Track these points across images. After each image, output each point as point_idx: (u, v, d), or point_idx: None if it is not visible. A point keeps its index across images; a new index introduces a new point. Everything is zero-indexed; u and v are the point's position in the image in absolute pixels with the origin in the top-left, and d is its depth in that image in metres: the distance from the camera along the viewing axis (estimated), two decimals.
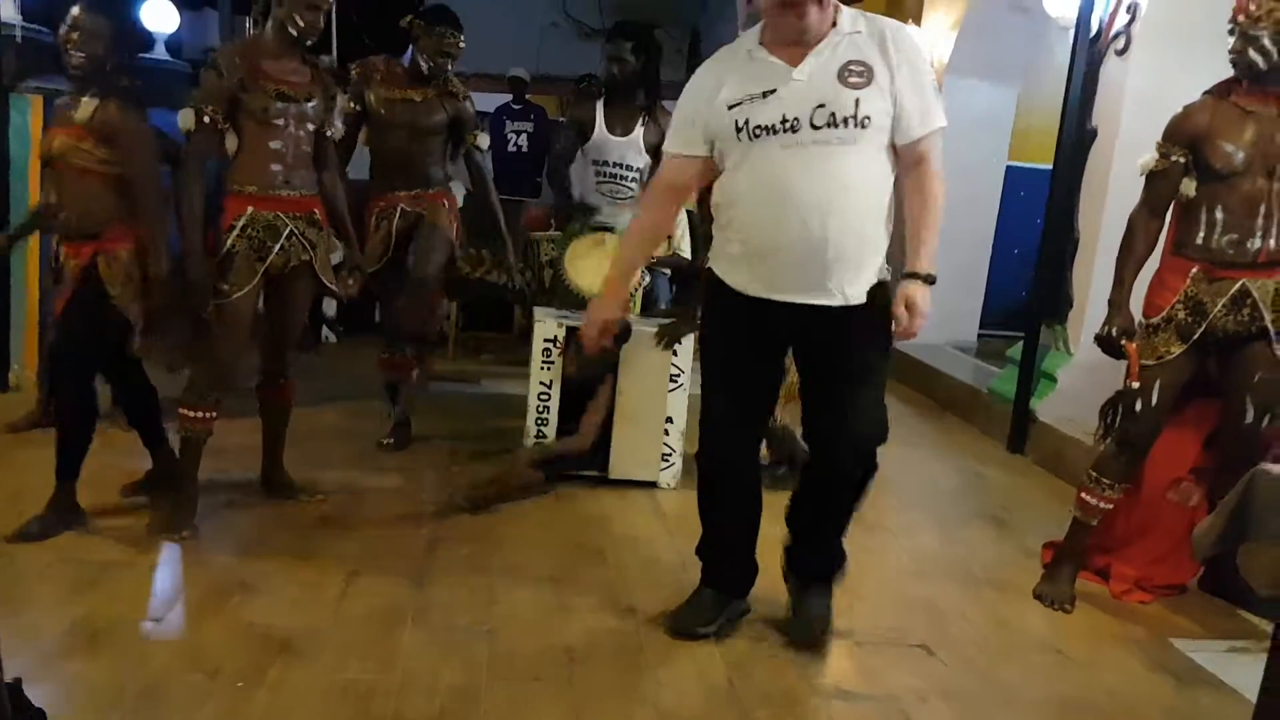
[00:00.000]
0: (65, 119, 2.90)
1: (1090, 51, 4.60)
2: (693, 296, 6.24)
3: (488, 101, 8.86)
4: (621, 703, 2.31)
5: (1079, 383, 4.65)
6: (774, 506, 2.73)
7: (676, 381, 3.73)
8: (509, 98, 8.19)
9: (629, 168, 4.13)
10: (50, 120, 2.90)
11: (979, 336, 6.80)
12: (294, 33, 3.03)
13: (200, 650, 2.37)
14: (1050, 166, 4.96)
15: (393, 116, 3.94)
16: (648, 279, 4.43)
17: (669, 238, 5.48)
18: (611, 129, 4.10)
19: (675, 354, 3.71)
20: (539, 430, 3.79)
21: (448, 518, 3.31)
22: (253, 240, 3.03)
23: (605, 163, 4.12)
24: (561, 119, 7.30)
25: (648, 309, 4.71)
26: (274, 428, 3.37)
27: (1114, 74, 4.52)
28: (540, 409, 3.78)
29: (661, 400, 3.71)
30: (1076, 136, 4.62)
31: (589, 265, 4.02)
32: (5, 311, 4.37)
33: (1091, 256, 4.60)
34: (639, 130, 4.10)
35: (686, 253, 5.63)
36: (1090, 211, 4.62)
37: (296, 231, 3.10)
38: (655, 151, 4.12)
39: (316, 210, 3.19)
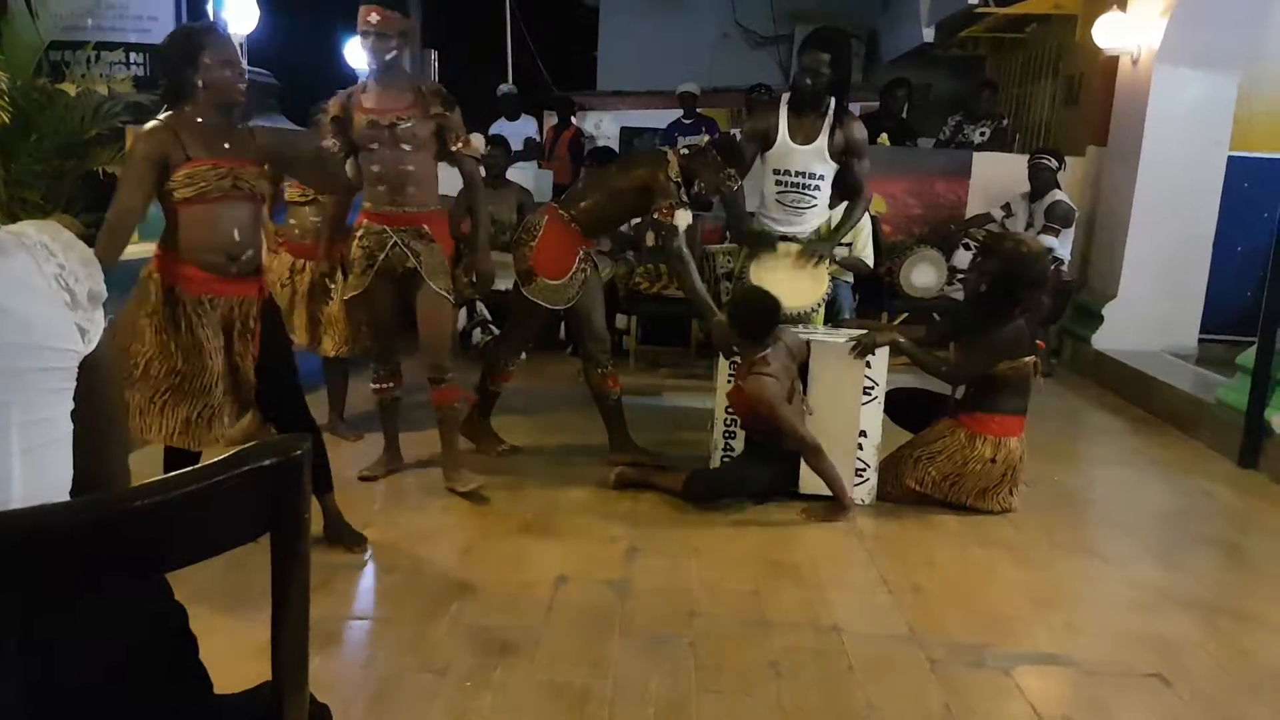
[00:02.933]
0: (225, 150, 2.74)
1: None
2: (879, 305, 6.18)
3: (661, 118, 9.04)
4: None
5: None
6: None
7: (870, 394, 3.64)
8: (680, 113, 8.27)
9: (812, 175, 4.07)
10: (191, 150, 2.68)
11: (1200, 342, 6.28)
12: (371, 60, 3.43)
13: (429, 649, 2.51)
14: (1278, 155, 4.53)
15: None
16: (831, 287, 4.37)
17: (850, 244, 5.39)
18: (794, 137, 4.06)
19: (869, 365, 3.63)
20: (726, 444, 3.79)
21: (644, 528, 3.37)
22: (366, 249, 3.48)
23: (788, 172, 4.07)
24: (735, 131, 7.32)
25: (831, 318, 4.64)
26: (440, 428, 3.63)
27: None
28: (727, 422, 3.78)
29: (854, 414, 3.63)
30: None
31: (778, 277, 3.98)
32: None
33: None
34: (823, 138, 4.03)
35: (869, 258, 5.51)
36: None
37: (400, 242, 3.44)
38: (841, 158, 4.06)
39: (425, 225, 3.48)
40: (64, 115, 5.10)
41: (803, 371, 3.64)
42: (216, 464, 0.89)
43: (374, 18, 3.34)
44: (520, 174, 6.56)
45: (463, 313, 6.02)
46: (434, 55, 10.92)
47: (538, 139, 8.46)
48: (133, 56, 7.70)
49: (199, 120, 2.73)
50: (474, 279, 3.77)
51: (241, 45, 5.59)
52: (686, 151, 3.92)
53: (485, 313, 6.04)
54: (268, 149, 2.89)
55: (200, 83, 2.70)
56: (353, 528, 3.15)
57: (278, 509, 0.94)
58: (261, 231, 2.95)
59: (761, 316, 3.54)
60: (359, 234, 3.51)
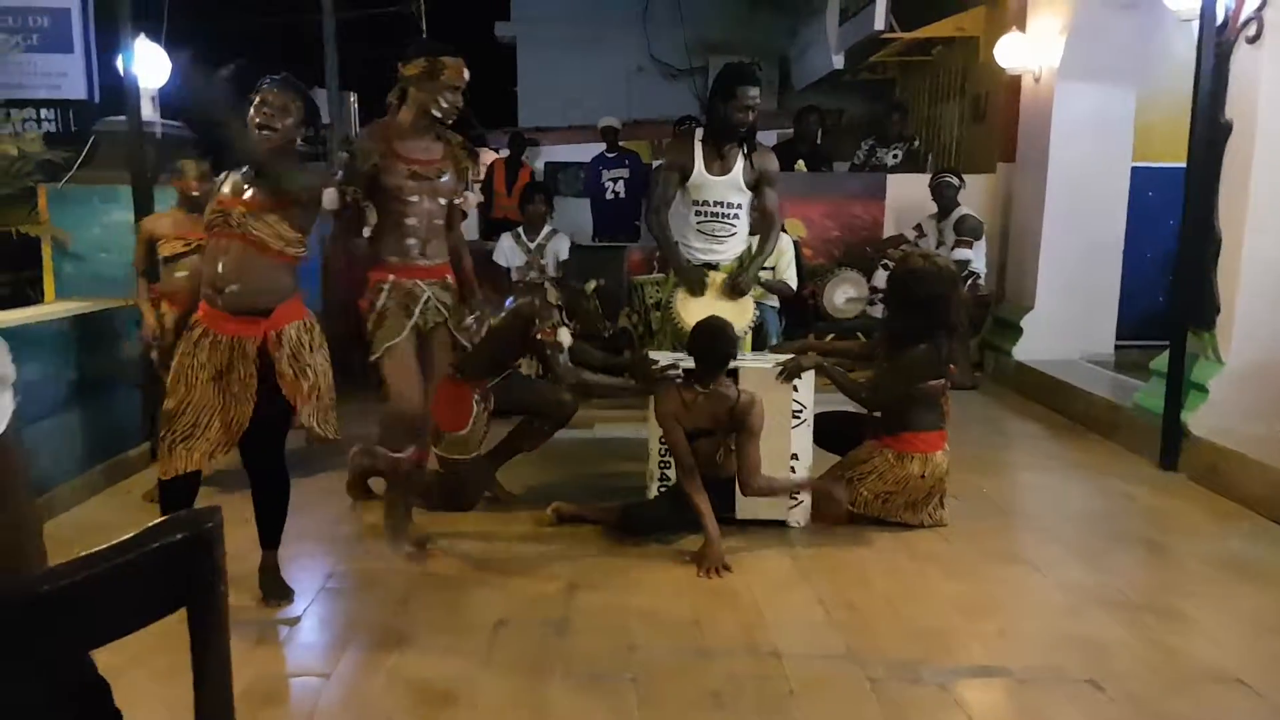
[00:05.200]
0: (244, 192, 2.87)
1: (1218, 41, 4.39)
2: (805, 327, 6.29)
3: (584, 152, 9.12)
4: None
5: (1233, 392, 4.42)
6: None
7: (799, 417, 3.70)
8: (603, 147, 8.35)
9: (730, 205, 4.15)
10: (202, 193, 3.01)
11: (1116, 348, 6.51)
12: (437, 115, 3.23)
13: (368, 705, 2.46)
14: (1179, 164, 4.76)
15: None
16: (757, 314, 4.43)
17: (772, 268, 5.48)
18: (710, 169, 4.13)
19: (796, 389, 3.68)
20: (662, 474, 3.80)
21: (583, 561, 3.35)
22: (398, 300, 3.27)
23: (706, 202, 4.15)
24: (656, 162, 7.43)
25: (758, 344, 4.71)
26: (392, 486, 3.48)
27: (1246, 64, 4.32)
28: (663, 452, 3.79)
29: (785, 437, 3.68)
30: (1209, 132, 4.41)
31: (700, 305, 4.04)
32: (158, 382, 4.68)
33: (1237, 257, 4.37)
34: (739, 168, 4.12)
35: (792, 280, 5.59)
36: (1232, 209, 4.40)
37: (433, 296, 3.31)
38: (755, 187, 4.14)
39: (449, 276, 3.39)
40: None
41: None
42: (125, 542, 0.87)
43: (466, 76, 3.24)
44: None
45: None
46: (352, 97, 10.85)
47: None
48: (44, 113, 7.52)
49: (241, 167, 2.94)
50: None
51: (153, 99, 5.49)
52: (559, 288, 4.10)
53: None
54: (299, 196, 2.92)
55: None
56: (284, 583, 3.08)
57: (190, 585, 0.92)
58: (269, 275, 2.89)
59: (712, 351, 3.51)
60: (385, 289, 3.26)
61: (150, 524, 0.91)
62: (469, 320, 3.48)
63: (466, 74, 3.24)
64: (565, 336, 3.80)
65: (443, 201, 3.32)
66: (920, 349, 3.67)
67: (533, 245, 6.24)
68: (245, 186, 2.89)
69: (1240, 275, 4.37)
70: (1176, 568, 3.51)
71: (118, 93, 5.02)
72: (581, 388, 3.85)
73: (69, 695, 1.06)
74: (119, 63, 4.63)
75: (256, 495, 3.05)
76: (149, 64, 4.99)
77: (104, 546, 0.89)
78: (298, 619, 2.96)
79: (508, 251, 6.24)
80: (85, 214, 4.99)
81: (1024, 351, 6.48)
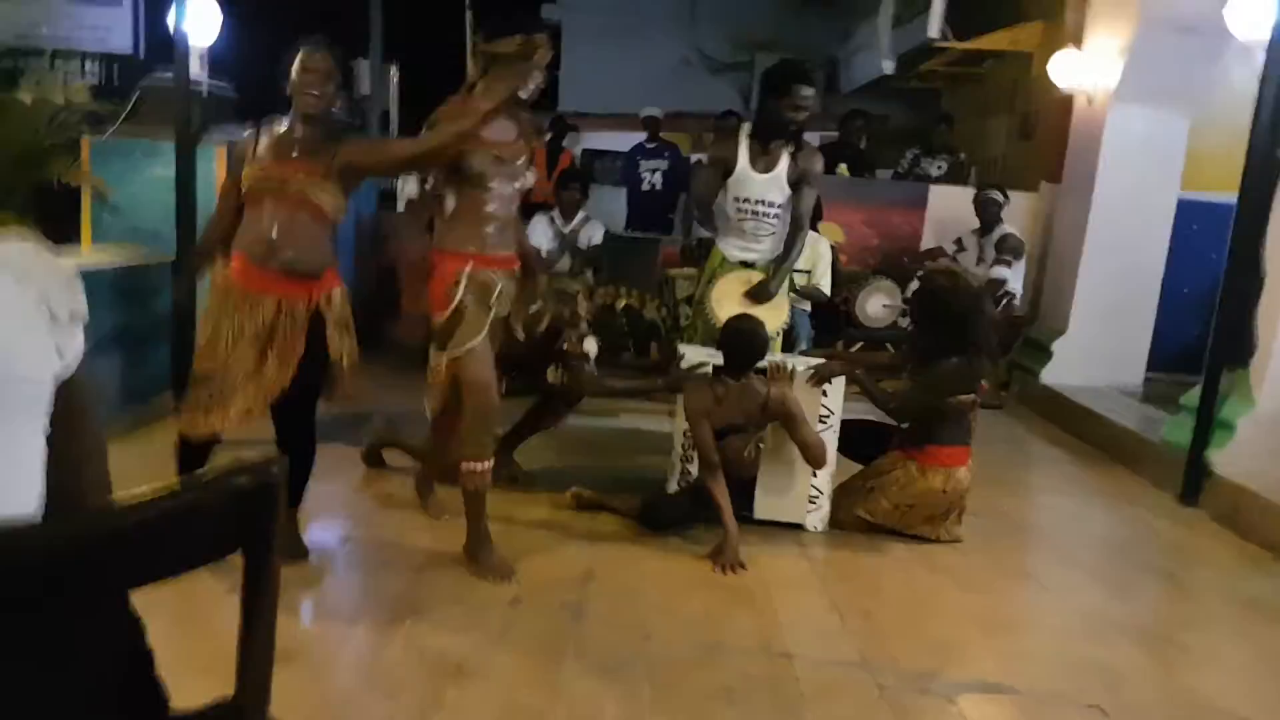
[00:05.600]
0: (291, 156, 2.89)
1: None
2: (835, 334, 6.28)
3: (623, 141, 9.12)
4: None
5: (1262, 434, 4.37)
6: None
7: (826, 422, 3.69)
8: (643, 137, 8.34)
9: (771, 204, 4.13)
10: (252, 156, 2.90)
11: (1146, 380, 6.45)
12: (524, 96, 3.08)
13: (383, 671, 2.49)
14: (1227, 198, 4.70)
15: None
16: (789, 316, 4.42)
17: (808, 271, 5.48)
18: (755, 165, 4.12)
19: (825, 394, 3.68)
20: (683, 468, 3.81)
21: (600, 548, 3.37)
22: (476, 294, 3.09)
23: (748, 200, 4.13)
24: (696, 156, 7.42)
25: (789, 347, 4.70)
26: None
27: None
28: (686, 447, 3.80)
29: None
30: (1264, 166, 4.34)
31: (735, 304, 4.04)
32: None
33: (1279, 297, 4.32)
34: (782, 166, 4.10)
35: (826, 286, 5.59)
36: None
37: (504, 288, 3.17)
38: (796, 186, 4.12)
39: (517, 266, 3.27)
40: (18, 125, 5.01)
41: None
42: (193, 483, 0.90)
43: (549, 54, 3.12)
44: None
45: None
46: (394, 69, 10.85)
47: None
48: (89, 65, 7.58)
49: (280, 128, 2.94)
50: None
51: (202, 57, 5.53)
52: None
53: None
54: (346, 160, 2.92)
55: (288, 91, 2.90)
56: (302, 541, 3.12)
57: (250, 529, 0.95)
58: (321, 240, 2.93)
59: (743, 350, 3.54)
60: (462, 281, 3.06)
61: (218, 470, 0.94)
62: (533, 309, 3.48)
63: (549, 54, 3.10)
64: (591, 347, 3.77)
65: (518, 186, 3.17)
66: (952, 363, 3.65)
67: (566, 230, 6.26)
68: (295, 152, 2.90)
69: None
70: (1194, 601, 3.49)
71: (164, 48, 5.07)
72: (607, 392, 3.86)
73: (108, 627, 1.08)
74: (169, 18, 4.66)
75: (282, 454, 3.07)
76: (199, 20, 5.03)
77: (176, 484, 0.92)
78: (315, 580, 3.00)
79: (539, 233, 6.26)
80: (126, 168, 5.03)
81: (1053, 375, 6.43)
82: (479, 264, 3.11)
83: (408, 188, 3.02)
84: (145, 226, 4.93)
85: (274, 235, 2.86)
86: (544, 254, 6.18)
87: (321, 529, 3.37)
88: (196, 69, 5.35)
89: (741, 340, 3.54)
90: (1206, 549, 4.00)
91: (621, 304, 5.77)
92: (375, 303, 6.25)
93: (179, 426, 2.97)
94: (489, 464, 3.12)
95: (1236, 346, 4.50)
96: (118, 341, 4.16)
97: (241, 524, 0.94)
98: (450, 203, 3.13)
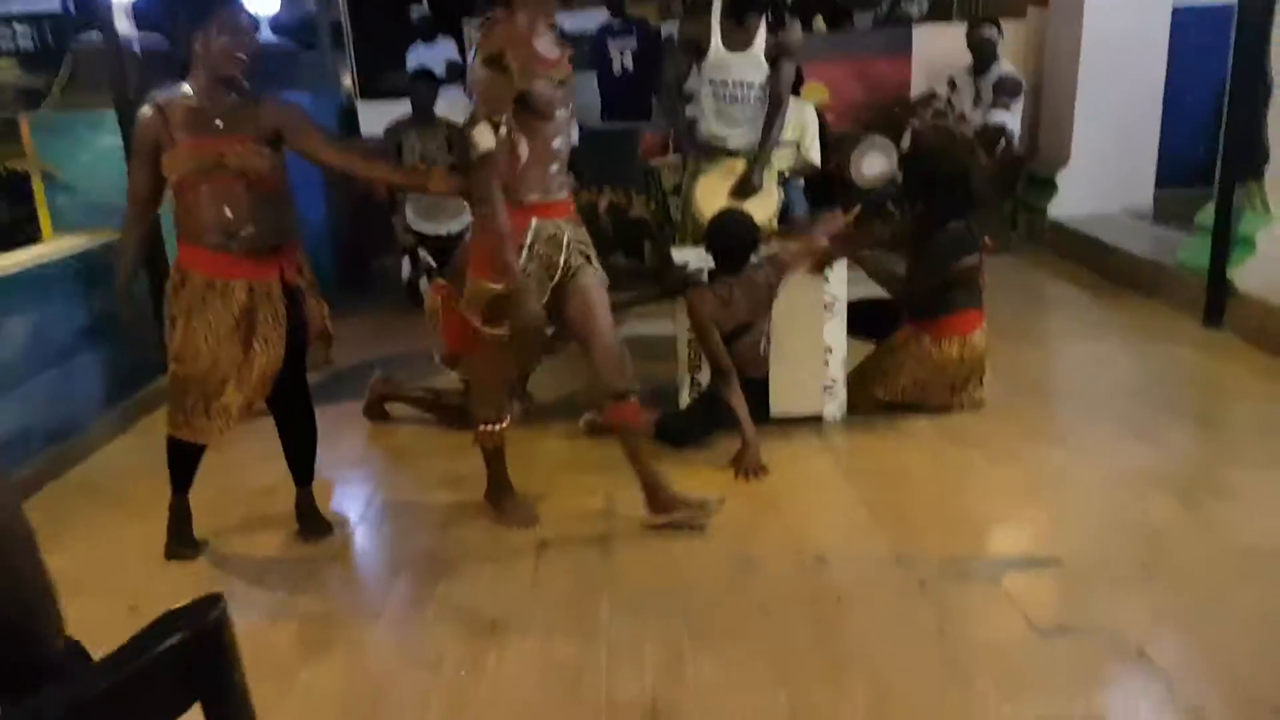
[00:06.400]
0: (215, 128, 2.65)
1: None
2: (831, 202, 6.05)
3: (588, 21, 8.64)
4: (830, 662, 2.26)
5: None
6: None
7: (831, 310, 3.57)
8: (606, 15, 7.89)
9: (749, 85, 3.89)
10: (176, 133, 2.63)
11: (1155, 197, 6.24)
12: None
13: (420, 642, 2.47)
14: (1226, 2, 4.41)
15: None
16: (781, 197, 4.24)
17: (796, 142, 5.23)
18: (729, 44, 3.86)
19: (828, 280, 3.54)
20: (693, 377, 3.72)
21: (619, 477, 3.29)
22: (542, 258, 2.72)
23: (724, 82, 3.90)
24: (667, 31, 7.03)
25: (784, 222, 4.53)
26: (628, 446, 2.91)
27: None
28: (693, 355, 3.70)
29: (818, 331, 3.56)
30: None
31: (720, 196, 3.87)
32: None
33: None
34: (759, 42, 3.84)
35: (816, 156, 5.34)
36: None
37: (572, 237, 2.81)
38: (774, 62, 3.87)
39: (573, 206, 2.88)
40: None
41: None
42: (124, 651, 0.80)
43: None
44: (449, 100, 6.26)
45: (405, 262, 5.85)
46: None
47: (460, 60, 8.08)
48: (18, 28, 7.19)
49: (192, 98, 2.66)
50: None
51: (126, 11, 5.20)
52: None
53: (430, 260, 5.86)
54: (275, 124, 2.71)
55: (199, 52, 2.62)
56: (323, 517, 3.08)
57: (202, 681, 0.85)
58: (275, 209, 2.74)
59: (734, 247, 3.41)
60: (529, 240, 2.70)
61: (148, 626, 0.83)
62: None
63: None
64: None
65: (567, 111, 2.76)
66: (950, 229, 3.51)
67: None
68: (219, 123, 2.66)
69: None
70: (1227, 438, 3.43)
71: (90, 6, 4.76)
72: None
73: None
74: None
75: (286, 435, 3.01)
76: None
77: (103, 657, 0.82)
78: (340, 555, 2.97)
79: None
80: (71, 143, 4.79)
81: (1060, 208, 6.23)
82: (543, 215, 2.73)
83: (481, 138, 2.52)
84: (103, 201, 4.71)
85: (228, 216, 2.67)
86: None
87: (340, 498, 3.33)
88: (124, 25, 5.05)
89: (729, 236, 3.40)
90: (1236, 375, 3.90)
91: (605, 204, 5.57)
92: (355, 244, 6.10)
93: (171, 432, 2.86)
94: (500, 425, 2.99)
95: (1248, 158, 4.29)
96: (100, 331, 4.04)
97: (190, 678, 0.84)
98: (524, 148, 2.64)
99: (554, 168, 2.74)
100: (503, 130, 2.56)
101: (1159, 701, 2.03)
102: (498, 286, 2.67)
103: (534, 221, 2.71)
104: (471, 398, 3.04)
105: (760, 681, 2.21)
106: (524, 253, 2.69)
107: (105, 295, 4.09)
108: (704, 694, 2.18)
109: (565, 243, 2.76)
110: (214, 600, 0.83)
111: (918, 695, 2.12)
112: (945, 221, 3.51)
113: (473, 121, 2.56)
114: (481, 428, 2.99)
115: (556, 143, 2.72)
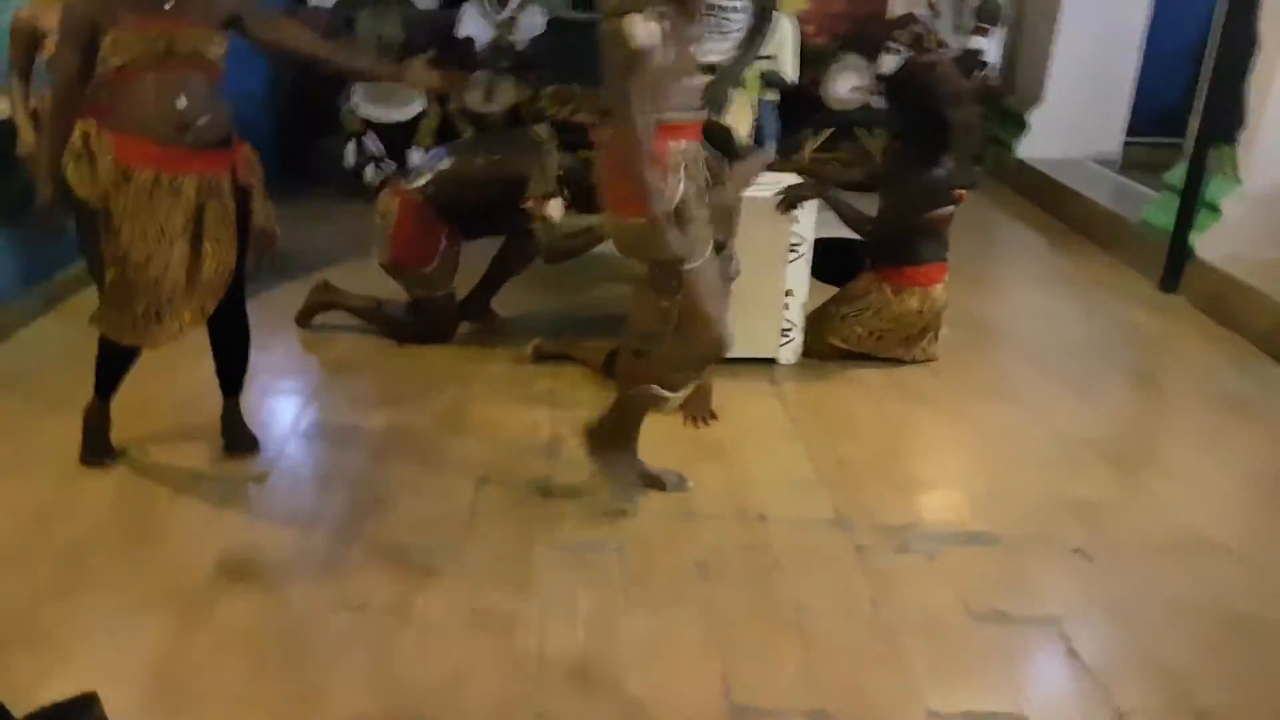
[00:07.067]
0: (164, 8, 2.43)
1: None
2: (803, 122, 5.84)
3: None
4: (764, 629, 2.25)
5: (1248, 215, 4.19)
6: None
7: (797, 250, 3.45)
8: None
9: (733, 7, 3.70)
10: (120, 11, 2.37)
11: (1125, 144, 6.16)
12: None
13: (346, 581, 2.38)
14: None
15: None
16: (756, 116, 4.06)
17: (771, 57, 4.98)
18: None
19: (796, 220, 3.41)
20: None
21: (565, 411, 3.20)
22: (695, 179, 2.39)
23: (712, 7, 3.70)
24: None
25: (760, 142, 4.35)
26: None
27: None
28: None
29: (780, 271, 3.45)
30: None
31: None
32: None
33: (1274, 67, 3.99)
34: None
35: (792, 70, 5.09)
36: (1276, 12, 3.96)
37: (709, 165, 2.52)
38: None
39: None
40: None
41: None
42: None
43: None
44: None
45: (350, 148, 5.55)
46: None
47: None
48: None
49: None
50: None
51: None
52: None
53: (377, 147, 5.56)
54: (230, 9, 2.50)
55: None
56: (250, 432, 2.94)
57: None
58: (223, 100, 2.54)
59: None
60: (680, 164, 2.33)
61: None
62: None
63: None
64: (556, 210, 3.39)
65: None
66: (930, 176, 3.40)
67: (499, 18, 5.66)
68: (167, 3, 2.41)
69: (1274, 88, 4.02)
70: (1172, 407, 3.45)
71: None
72: (571, 252, 3.54)
73: None
74: None
75: (217, 342, 2.85)
76: None
77: None
78: (266, 476, 2.84)
79: (471, 23, 5.67)
80: None
81: (1027, 149, 6.13)
82: (686, 137, 2.36)
83: (638, 31, 2.11)
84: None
85: (181, 105, 2.45)
86: (477, 50, 5.61)
87: (268, 412, 3.19)
88: None
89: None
90: (1186, 342, 3.92)
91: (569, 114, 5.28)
92: (294, 123, 5.74)
93: (114, 338, 2.66)
94: (672, 398, 2.58)
95: (1224, 120, 4.21)
96: (11, 209, 3.74)
97: None
98: (671, 50, 2.23)
99: (695, 79, 2.41)
100: (665, 23, 2.14)
101: (1088, 701, 2.04)
102: (654, 219, 2.24)
103: (680, 144, 2.33)
104: (654, 358, 2.55)
105: (692, 645, 2.19)
106: (677, 179, 2.31)
107: (12, 169, 3.78)
108: (636, 654, 2.15)
109: (700, 163, 2.44)
110: (88, 701, 0.73)
111: (848, 673, 2.11)
112: (924, 166, 3.39)
113: (620, 8, 2.15)
114: (653, 388, 2.54)
115: (694, 48, 2.37)
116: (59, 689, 1.95)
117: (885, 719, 2.00)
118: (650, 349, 2.54)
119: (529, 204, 3.39)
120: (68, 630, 2.18)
